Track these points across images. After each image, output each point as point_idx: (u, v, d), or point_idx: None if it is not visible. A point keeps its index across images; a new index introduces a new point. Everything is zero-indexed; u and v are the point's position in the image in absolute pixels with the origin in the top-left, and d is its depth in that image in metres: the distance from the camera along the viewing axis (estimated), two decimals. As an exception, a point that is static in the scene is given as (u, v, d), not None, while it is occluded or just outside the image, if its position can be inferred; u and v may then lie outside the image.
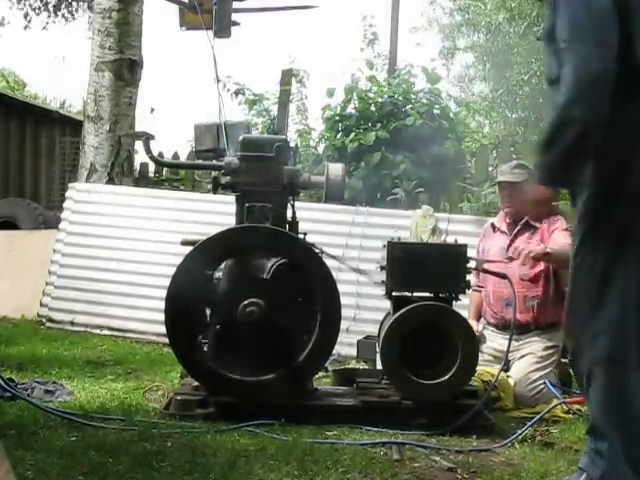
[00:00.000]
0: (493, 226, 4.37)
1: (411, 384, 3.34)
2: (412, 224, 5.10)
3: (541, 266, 4.11)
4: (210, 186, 3.68)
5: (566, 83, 2.23)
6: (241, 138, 3.54)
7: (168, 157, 8.22)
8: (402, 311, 3.38)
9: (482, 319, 4.36)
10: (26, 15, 11.28)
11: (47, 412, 3.14)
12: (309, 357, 3.38)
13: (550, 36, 2.34)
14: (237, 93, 8.47)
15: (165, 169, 8.64)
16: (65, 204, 6.24)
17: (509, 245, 4.20)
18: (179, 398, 3.36)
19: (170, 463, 2.65)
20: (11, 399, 3.37)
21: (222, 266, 3.45)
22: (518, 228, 4.20)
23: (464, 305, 4.09)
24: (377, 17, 10.24)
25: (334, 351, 3.70)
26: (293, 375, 3.35)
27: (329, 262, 3.47)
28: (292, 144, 3.85)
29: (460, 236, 3.91)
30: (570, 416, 3.66)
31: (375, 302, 4.75)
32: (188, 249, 3.38)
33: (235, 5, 6.64)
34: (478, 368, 3.54)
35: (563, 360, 4.58)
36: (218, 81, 3.84)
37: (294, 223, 3.56)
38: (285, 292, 3.36)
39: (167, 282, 3.35)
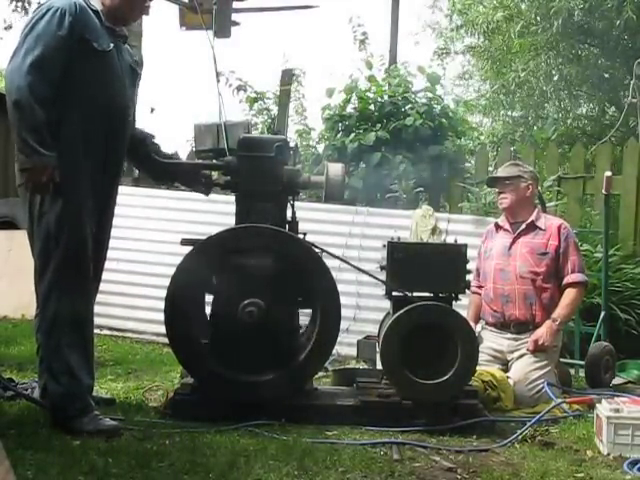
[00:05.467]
0: (497, 225, 4.40)
1: (411, 384, 3.34)
2: (412, 224, 5.10)
3: (543, 266, 4.13)
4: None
5: None
6: (241, 138, 3.54)
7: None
8: (402, 311, 3.38)
9: (481, 320, 4.37)
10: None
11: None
12: (309, 357, 3.37)
13: None
14: (239, 89, 8.46)
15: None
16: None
17: (511, 243, 4.23)
18: (179, 398, 3.36)
19: (170, 463, 2.65)
20: (11, 399, 3.38)
21: (222, 266, 3.45)
22: (522, 228, 4.23)
23: (464, 305, 4.09)
24: (377, 18, 10.26)
25: (334, 351, 3.70)
26: (293, 375, 3.35)
27: (329, 262, 3.47)
28: (292, 144, 3.84)
29: (460, 236, 3.92)
30: (570, 416, 3.65)
31: (375, 302, 4.75)
32: (188, 249, 3.38)
33: (235, 5, 6.64)
34: (478, 368, 3.55)
35: (563, 360, 4.60)
36: (218, 81, 3.83)
37: (294, 223, 3.56)
38: (285, 292, 3.36)
39: (167, 282, 3.35)
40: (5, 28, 12.35)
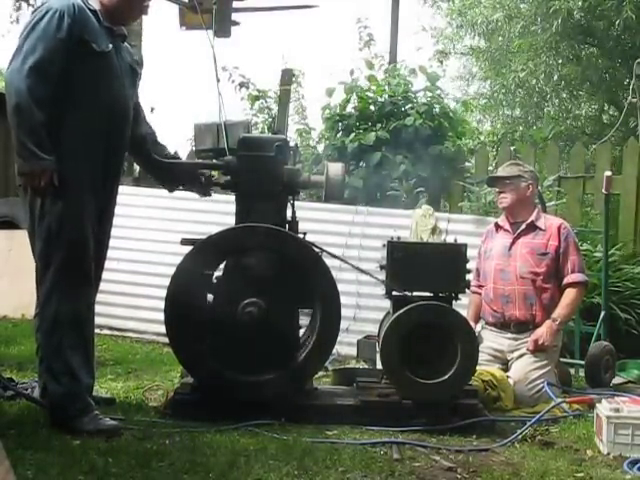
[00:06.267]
0: (497, 225, 4.39)
1: (411, 384, 3.34)
2: (412, 223, 5.10)
3: (543, 266, 4.13)
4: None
5: None
6: (241, 138, 3.54)
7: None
8: (402, 311, 3.38)
9: (481, 320, 4.38)
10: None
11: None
12: (309, 357, 3.37)
13: None
14: (242, 86, 8.46)
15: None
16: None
17: (512, 244, 4.23)
18: (179, 398, 3.36)
19: (170, 463, 2.65)
20: (11, 399, 3.38)
21: (222, 266, 3.45)
22: (522, 228, 4.23)
23: (464, 305, 4.10)
24: (376, 18, 10.26)
25: (334, 351, 3.70)
26: (293, 375, 3.35)
27: (329, 262, 3.47)
28: (292, 144, 3.84)
29: (460, 236, 3.91)
30: (570, 416, 3.65)
31: (375, 302, 4.75)
32: (188, 249, 3.38)
33: (235, 5, 6.62)
34: (478, 368, 3.55)
35: (563, 360, 4.60)
36: (218, 81, 3.82)
37: (294, 223, 3.56)
38: (285, 292, 3.36)
39: (167, 282, 3.35)
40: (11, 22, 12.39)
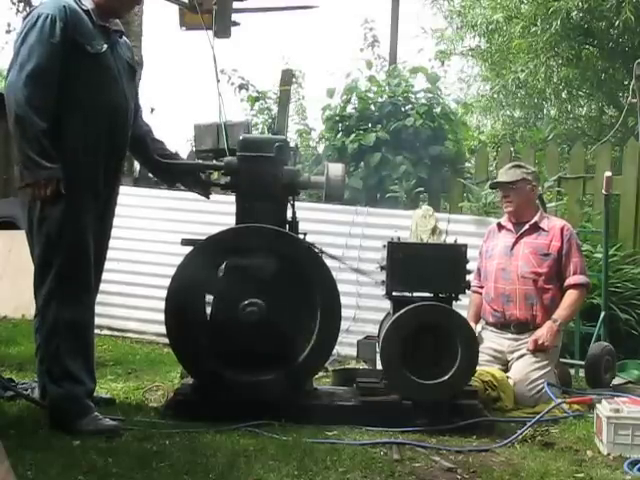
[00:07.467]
0: (499, 225, 4.39)
1: (411, 384, 3.34)
2: (412, 224, 5.09)
3: (545, 267, 4.13)
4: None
5: None
6: (241, 138, 3.54)
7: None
8: (402, 311, 3.38)
9: (481, 320, 4.37)
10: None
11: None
12: (309, 357, 3.37)
13: None
14: (241, 88, 8.47)
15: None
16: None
17: (514, 243, 4.23)
18: (179, 398, 3.36)
19: (170, 463, 2.65)
20: (11, 399, 3.38)
21: (222, 266, 3.45)
22: (525, 228, 4.23)
23: (464, 305, 4.09)
24: (377, 19, 10.30)
25: (334, 351, 3.70)
26: (293, 375, 3.35)
27: (329, 262, 3.47)
28: (292, 144, 3.84)
29: (460, 236, 3.91)
30: (570, 416, 3.65)
31: (375, 302, 4.75)
32: (188, 249, 3.38)
33: (235, 5, 6.63)
34: (478, 368, 3.55)
35: (563, 360, 4.60)
36: (218, 81, 3.84)
37: (294, 223, 3.56)
38: (285, 292, 3.36)
39: (167, 282, 3.34)
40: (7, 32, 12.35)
